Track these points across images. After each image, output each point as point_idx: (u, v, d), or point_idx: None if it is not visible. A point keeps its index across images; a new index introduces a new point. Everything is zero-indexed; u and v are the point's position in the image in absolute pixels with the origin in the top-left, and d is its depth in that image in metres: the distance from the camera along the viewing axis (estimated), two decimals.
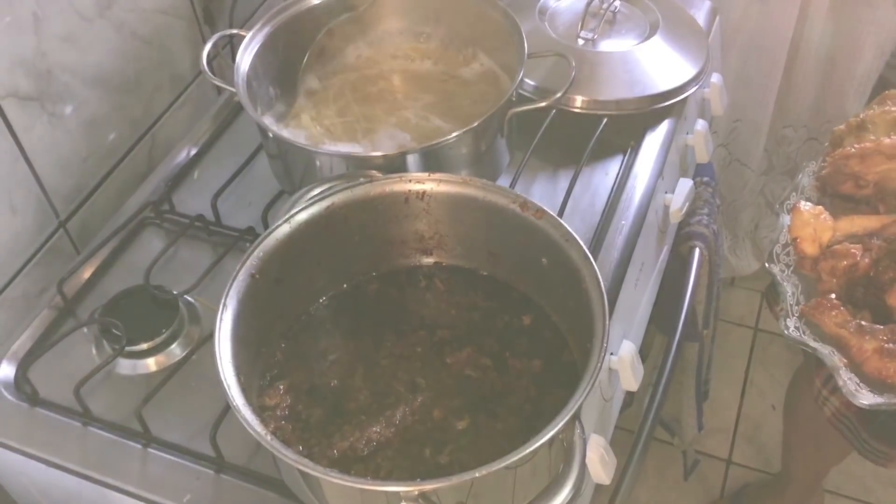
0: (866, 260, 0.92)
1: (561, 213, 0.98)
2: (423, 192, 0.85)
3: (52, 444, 0.86)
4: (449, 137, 0.89)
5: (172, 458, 0.85)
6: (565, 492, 0.63)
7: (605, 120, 1.07)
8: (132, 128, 1.17)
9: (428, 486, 0.64)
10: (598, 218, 1.02)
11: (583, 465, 0.65)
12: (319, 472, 0.65)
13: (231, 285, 0.77)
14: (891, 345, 0.87)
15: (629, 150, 1.09)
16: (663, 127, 1.11)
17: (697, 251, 1.17)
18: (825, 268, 0.93)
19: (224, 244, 1.01)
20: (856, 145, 0.98)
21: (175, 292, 0.95)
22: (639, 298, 1.08)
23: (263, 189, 1.05)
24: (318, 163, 0.92)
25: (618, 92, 1.09)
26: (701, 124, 1.18)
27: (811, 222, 0.95)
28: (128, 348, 0.91)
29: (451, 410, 0.80)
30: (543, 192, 1.05)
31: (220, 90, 1.25)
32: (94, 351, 0.94)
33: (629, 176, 1.06)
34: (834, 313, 0.90)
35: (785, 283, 0.95)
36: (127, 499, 0.83)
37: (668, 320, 1.14)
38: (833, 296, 0.91)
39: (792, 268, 0.96)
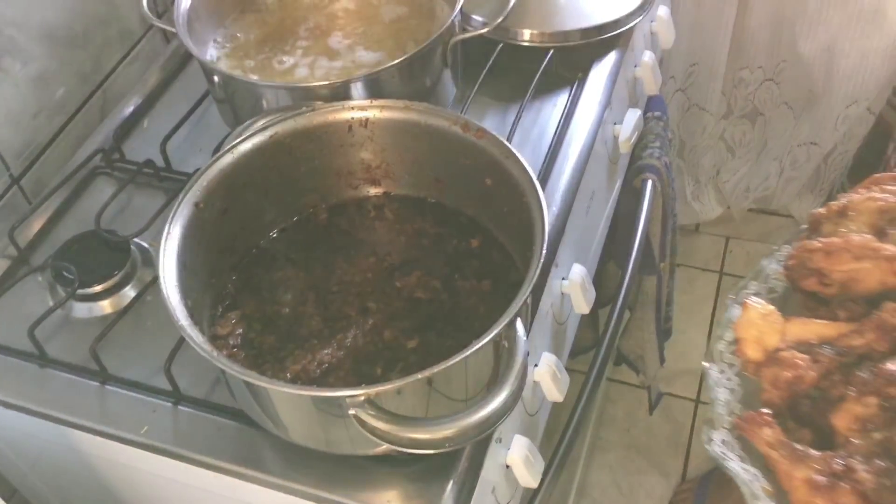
0: (812, 373, 0.80)
1: None
2: (367, 120, 0.86)
3: (8, 386, 0.87)
4: (393, 62, 0.90)
5: (130, 393, 0.85)
6: (506, 390, 0.65)
7: (551, 52, 1.08)
8: (82, 83, 1.17)
9: (373, 390, 0.65)
10: (547, 148, 1.03)
11: (524, 366, 0.67)
12: (265, 382, 0.66)
13: (174, 213, 0.77)
14: (821, 477, 0.75)
15: (577, 82, 1.10)
16: (610, 58, 1.12)
17: (650, 183, 1.19)
18: (767, 376, 0.82)
19: (175, 189, 1.02)
20: (822, 239, 0.86)
21: (126, 235, 0.95)
22: (592, 227, 1.10)
23: (214, 134, 1.06)
24: (261, 98, 0.93)
25: (563, 24, 1.09)
26: (648, 56, 1.19)
27: (758, 323, 0.84)
28: (81, 291, 0.91)
29: (402, 331, 0.81)
30: (492, 125, 1.04)
31: (169, 39, 1.24)
32: (48, 296, 0.94)
33: (577, 107, 1.07)
34: (766, 430, 0.79)
35: (718, 388, 0.85)
36: (85, 434, 0.84)
37: (624, 254, 1.15)
38: (769, 410, 0.80)
39: (736, 369, 0.86)
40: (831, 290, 0.85)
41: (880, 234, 0.86)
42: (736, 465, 0.80)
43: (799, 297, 0.88)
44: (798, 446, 0.78)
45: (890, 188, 0.88)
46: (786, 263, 0.89)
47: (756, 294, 0.91)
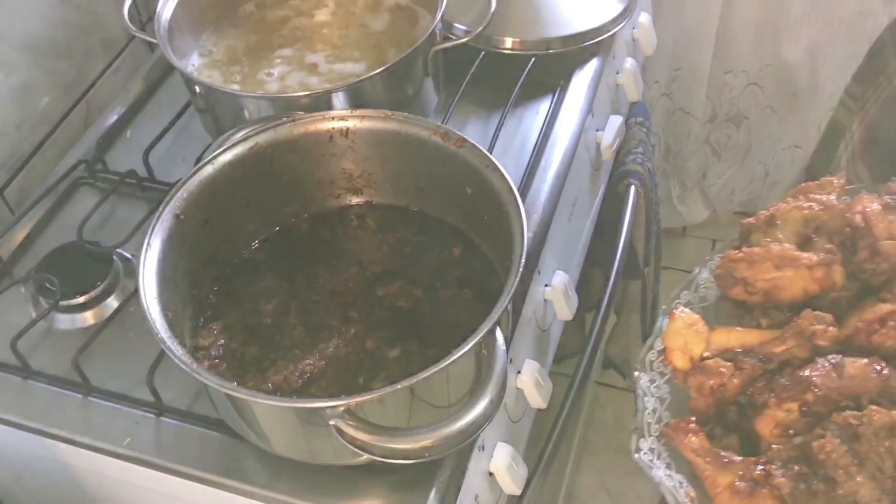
0: (736, 381, 0.82)
1: (491, 153, 0.99)
2: (347, 129, 0.86)
3: None
4: (375, 72, 0.90)
5: (112, 405, 0.85)
6: (486, 399, 0.65)
7: (532, 60, 1.09)
8: (66, 93, 1.17)
9: (353, 401, 0.65)
10: (529, 155, 1.03)
11: (503, 375, 0.67)
12: (244, 393, 0.66)
13: (154, 225, 0.77)
14: (742, 483, 0.77)
15: (558, 89, 1.10)
16: (591, 65, 1.13)
17: (633, 189, 1.19)
18: (694, 384, 0.83)
19: (157, 199, 1.00)
20: (745, 248, 0.88)
21: (108, 246, 0.95)
22: (575, 234, 1.10)
23: (197, 144, 1.05)
24: (243, 108, 0.93)
25: (545, 31, 1.10)
26: (630, 63, 1.20)
27: (683, 332, 0.86)
28: (64, 302, 0.91)
29: (384, 340, 0.81)
30: (474, 134, 1.06)
31: (153, 49, 1.24)
32: (31, 308, 0.94)
33: (559, 114, 1.07)
34: (692, 438, 0.80)
35: (646, 397, 0.86)
36: (68, 447, 0.84)
37: (608, 259, 1.16)
38: (694, 418, 0.82)
39: (666, 378, 0.87)
40: (756, 298, 0.86)
41: (806, 241, 0.88)
42: (660, 473, 0.81)
43: (728, 305, 0.90)
44: (722, 453, 0.79)
45: (816, 198, 0.90)
46: (714, 273, 0.91)
47: (688, 303, 0.93)
